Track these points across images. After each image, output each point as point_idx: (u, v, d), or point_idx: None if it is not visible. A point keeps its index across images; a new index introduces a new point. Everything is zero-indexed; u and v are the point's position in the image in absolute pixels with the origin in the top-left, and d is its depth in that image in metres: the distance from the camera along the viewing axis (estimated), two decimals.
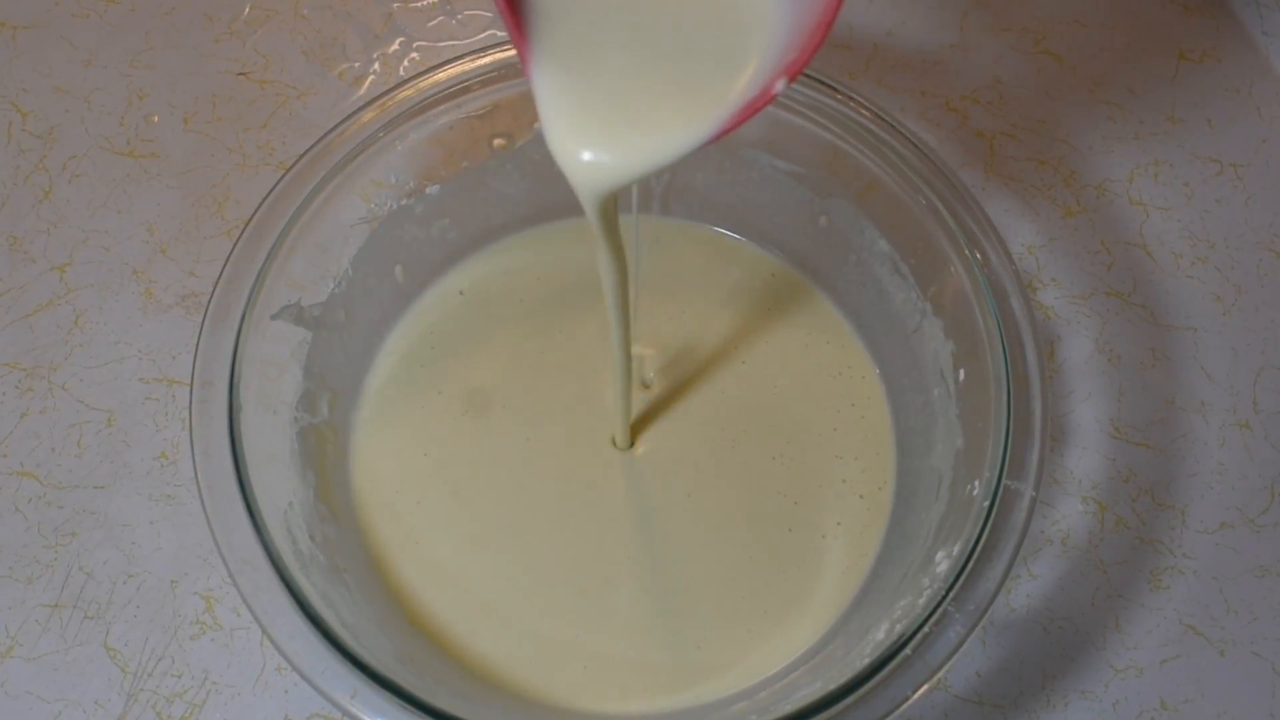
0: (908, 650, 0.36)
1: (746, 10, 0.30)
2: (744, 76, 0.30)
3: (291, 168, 0.43)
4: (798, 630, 0.44)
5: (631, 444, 0.47)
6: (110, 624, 0.46)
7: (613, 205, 0.34)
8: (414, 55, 0.61)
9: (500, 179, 0.50)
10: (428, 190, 0.48)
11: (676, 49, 0.30)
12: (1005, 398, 0.40)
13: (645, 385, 0.49)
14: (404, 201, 0.48)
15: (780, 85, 0.29)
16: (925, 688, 0.36)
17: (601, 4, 0.30)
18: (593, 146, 0.31)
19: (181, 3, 0.62)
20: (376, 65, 0.60)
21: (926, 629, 0.36)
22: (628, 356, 0.42)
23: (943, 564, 0.39)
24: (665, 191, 0.52)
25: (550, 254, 0.52)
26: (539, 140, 0.49)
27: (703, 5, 0.30)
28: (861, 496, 0.47)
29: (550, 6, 0.30)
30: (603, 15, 0.30)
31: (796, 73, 0.29)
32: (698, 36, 0.30)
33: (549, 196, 0.51)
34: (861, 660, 0.37)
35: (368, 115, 0.45)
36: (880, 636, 0.38)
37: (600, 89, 0.31)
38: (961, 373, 0.44)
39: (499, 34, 0.61)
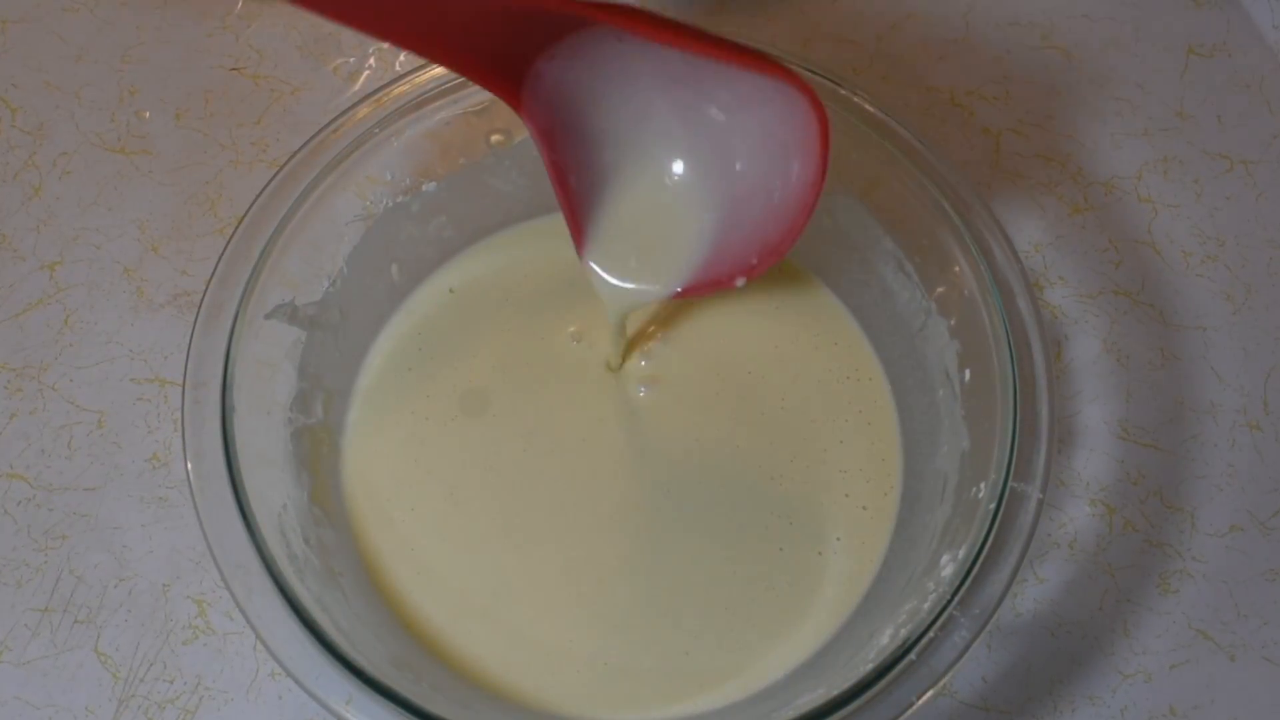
0: (912, 655, 0.36)
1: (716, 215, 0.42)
2: (718, 261, 0.42)
3: (285, 164, 0.43)
4: (800, 635, 0.44)
5: (632, 439, 0.47)
6: (101, 629, 0.46)
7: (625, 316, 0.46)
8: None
9: (498, 176, 0.50)
10: (424, 187, 0.48)
11: (676, 235, 0.43)
12: (1011, 398, 0.40)
13: (640, 394, 0.49)
14: (400, 199, 0.48)
15: (740, 282, 0.42)
16: (930, 694, 0.36)
17: (628, 214, 0.44)
18: (625, 279, 0.44)
19: None
20: (372, 60, 0.60)
21: (931, 634, 0.36)
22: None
23: (948, 567, 0.39)
24: None
25: (549, 250, 0.52)
26: None
27: (691, 215, 0.43)
28: (865, 500, 0.47)
29: (596, 218, 0.44)
30: (629, 220, 0.44)
31: (753, 276, 0.41)
32: (689, 228, 0.43)
33: (547, 193, 0.51)
34: (865, 666, 0.37)
35: (363, 111, 0.45)
36: (884, 641, 0.38)
37: (628, 256, 0.44)
38: (967, 373, 0.44)
39: None
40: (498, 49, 0.38)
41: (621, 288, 0.44)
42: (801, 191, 0.39)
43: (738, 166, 0.41)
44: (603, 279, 0.44)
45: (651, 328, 0.50)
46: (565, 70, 0.40)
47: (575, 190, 0.43)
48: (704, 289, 0.43)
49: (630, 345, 0.50)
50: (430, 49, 0.37)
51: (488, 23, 0.37)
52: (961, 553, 0.38)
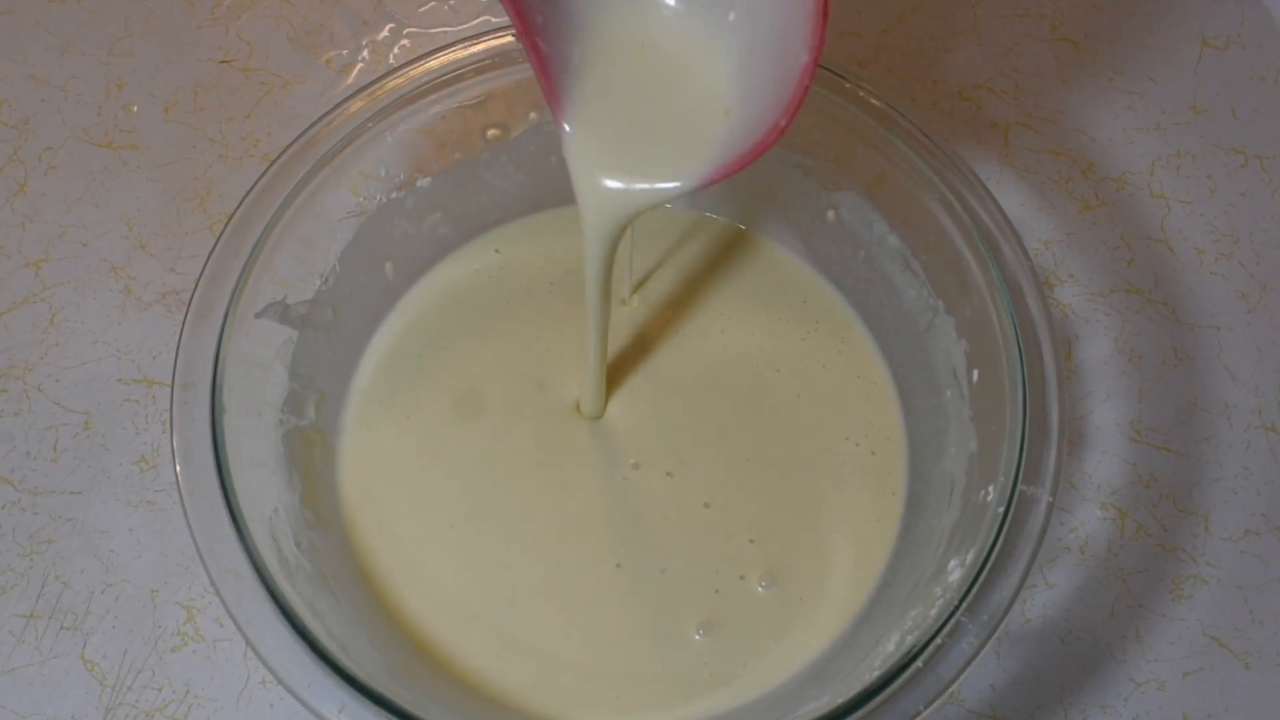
0: (919, 663, 0.36)
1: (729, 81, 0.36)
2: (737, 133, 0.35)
3: (277, 160, 0.43)
4: (803, 642, 0.44)
5: (631, 449, 0.47)
6: (88, 635, 0.46)
7: (613, 253, 0.40)
8: (404, 42, 0.61)
9: (494, 171, 0.50)
10: (419, 183, 0.48)
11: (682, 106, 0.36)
12: (1021, 399, 0.40)
13: (639, 392, 0.49)
14: (394, 195, 0.48)
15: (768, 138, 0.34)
16: (937, 702, 0.36)
17: (621, 75, 0.37)
18: (619, 175, 0.37)
19: None
20: (365, 53, 0.60)
21: (939, 640, 0.36)
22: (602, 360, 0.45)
23: (955, 573, 0.39)
24: None
25: (548, 248, 0.52)
26: (534, 131, 0.49)
27: (700, 76, 0.36)
28: (870, 503, 0.47)
29: (578, 76, 0.36)
30: (622, 81, 0.37)
31: (782, 134, 0.34)
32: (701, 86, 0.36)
33: (545, 189, 0.51)
34: (870, 673, 0.37)
35: (356, 105, 0.45)
36: (890, 648, 0.38)
37: (624, 133, 0.37)
38: (975, 373, 0.44)
39: (493, 20, 0.61)
40: None
41: (622, 188, 0.37)
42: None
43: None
44: (593, 168, 0.36)
45: (645, 325, 0.50)
46: None
47: (551, 52, 0.36)
48: (729, 170, 0.36)
49: (628, 349, 0.50)
50: None
51: None
52: (969, 557, 0.38)
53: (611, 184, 0.37)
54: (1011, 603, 0.37)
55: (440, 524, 0.46)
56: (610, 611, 0.44)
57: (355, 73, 0.60)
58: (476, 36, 0.46)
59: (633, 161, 0.37)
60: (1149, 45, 0.61)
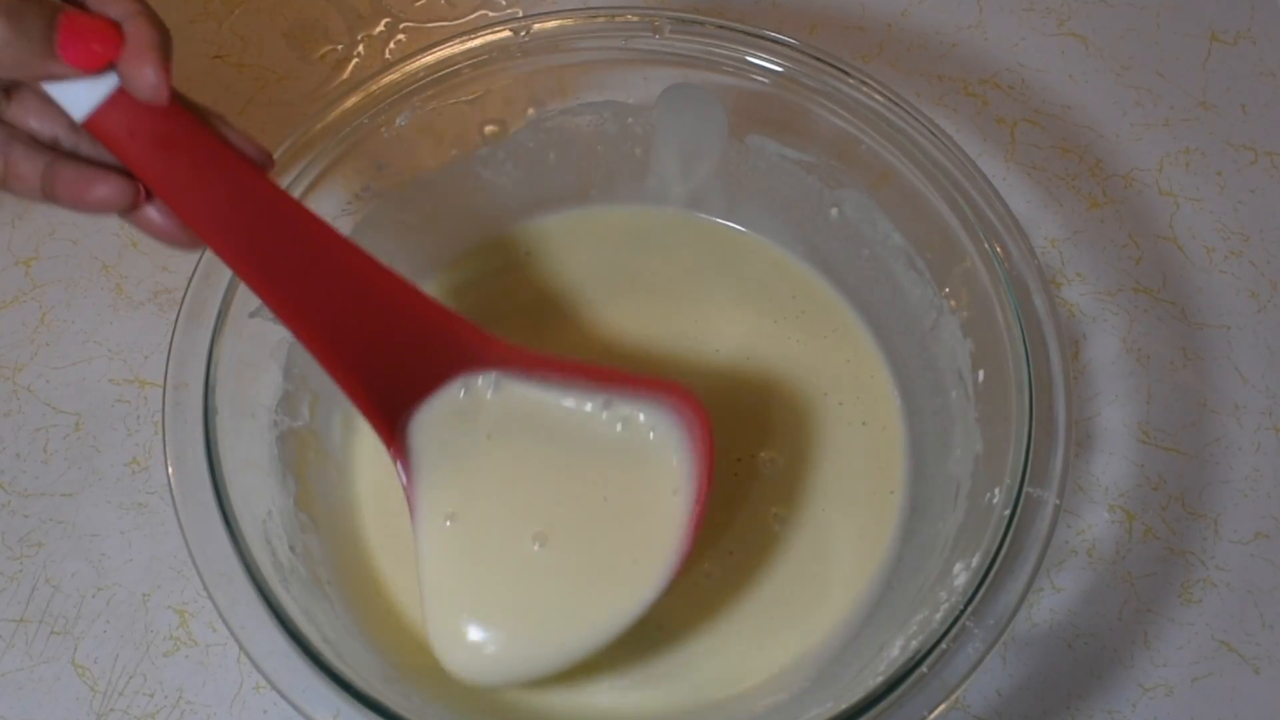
0: (924, 668, 0.36)
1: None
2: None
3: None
4: (806, 647, 0.44)
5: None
6: (78, 640, 0.46)
7: None
8: (400, 37, 0.61)
9: (492, 168, 0.50)
10: (415, 179, 0.48)
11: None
12: (1027, 400, 0.40)
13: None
14: (390, 192, 0.48)
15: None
16: (942, 708, 0.36)
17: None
18: (489, 637, 0.40)
19: None
20: (361, 48, 0.60)
21: (944, 645, 0.36)
22: None
23: (961, 576, 0.39)
24: (662, 180, 0.52)
25: (547, 247, 0.52)
26: (532, 127, 0.49)
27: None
28: (871, 506, 0.47)
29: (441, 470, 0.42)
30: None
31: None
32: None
33: (543, 187, 0.51)
34: (874, 679, 0.37)
35: (351, 100, 0.45)
36: (895, 653, 0.38)
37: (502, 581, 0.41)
38: (980, 373, 0.44)
39: (490, 14, 0.61)
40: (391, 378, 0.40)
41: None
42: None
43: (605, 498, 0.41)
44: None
45: (642, 328, 0.50)
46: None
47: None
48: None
49: (628, 352, 0.50)
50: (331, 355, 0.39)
51: (394, 345, 0.39)
52: (975, 561, 0.38)
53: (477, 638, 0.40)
54: (1018, 607, 0.37)
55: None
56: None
57: (350, 68, 0.60)
58: (473, 31, 0.46)
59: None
60: (1157, 40, 0.61)
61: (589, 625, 0.39)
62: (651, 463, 0.41)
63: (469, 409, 0.42)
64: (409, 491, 0.41)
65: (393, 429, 0.41)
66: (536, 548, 0.40)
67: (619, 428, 0.41)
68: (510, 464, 0.41)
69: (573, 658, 0.39)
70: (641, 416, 0.41)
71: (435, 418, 0.41)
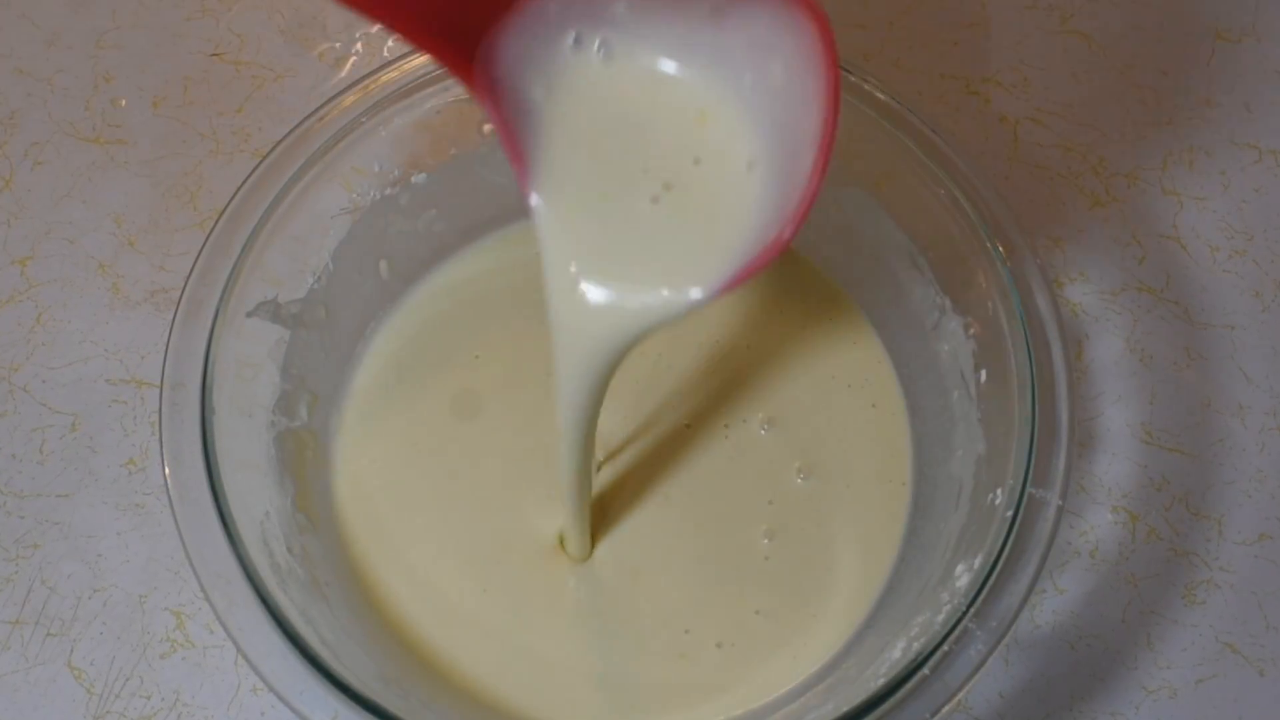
0: (926, 670, 0.36)
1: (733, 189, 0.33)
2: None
3: (268, 155, 0.43)
4: (807, 649, 0.44)
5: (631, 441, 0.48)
6: (75, 642, 0.46)
7: (600, 397, 0.36)
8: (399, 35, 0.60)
9: (491, 167, 0.50)
10: (414, 179, 0.48)
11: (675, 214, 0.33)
12: (1030, 400, 0.40)
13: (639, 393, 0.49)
14: (388, 191, 0.48)
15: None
16: (945, 710, 0.36)
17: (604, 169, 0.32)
18: (615, 289, 0.32)
19: None
20: (359, 45, 0.60)
21: (946, 647, 0.36)
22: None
23: (963, 578, 0.39)
24: None
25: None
26: None
27: (696, 181, 0.33)
28: (873, 508, 0.47)
29: (555, 164, 0.32)
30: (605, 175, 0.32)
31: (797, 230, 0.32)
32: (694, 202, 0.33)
33: None
34: (876, 681, 0.37)
35: (350, 99, 0.45)
36: (896, 655, 0.38)
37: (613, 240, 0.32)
38: (983, 373, 0.44)
39: None
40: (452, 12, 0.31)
41: (630, 304, 0.32)
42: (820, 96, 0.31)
43: (748, 79, 0.32)
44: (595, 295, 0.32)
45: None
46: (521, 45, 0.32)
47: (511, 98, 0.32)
48: (744, 276, 0.33)
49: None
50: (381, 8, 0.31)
51: None
52: (977, 562, 0.38)
53: (597, 297, 0.32)
54: (1020, 608, 0.37)
55: (436, 527, 0.46)
56: (610, 616, 0.44)
57: (348, 66, 0.60)
58: None
59: (626, 264, 0.32)
60: (1161, 38, 0.61)
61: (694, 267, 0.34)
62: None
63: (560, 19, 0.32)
64: (505, 135, 0.32)
65: (469, 56, 0.32)
66: (650, 205, 0.33)
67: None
68: (622, 101, 0.33)
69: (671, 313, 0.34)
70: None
71: (524, 36, 0.32)
